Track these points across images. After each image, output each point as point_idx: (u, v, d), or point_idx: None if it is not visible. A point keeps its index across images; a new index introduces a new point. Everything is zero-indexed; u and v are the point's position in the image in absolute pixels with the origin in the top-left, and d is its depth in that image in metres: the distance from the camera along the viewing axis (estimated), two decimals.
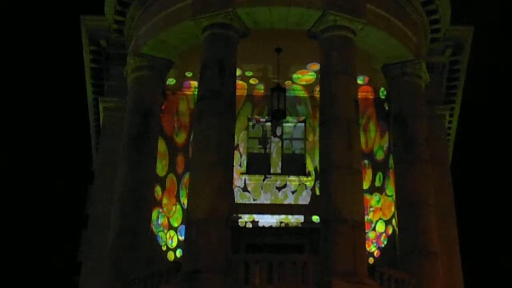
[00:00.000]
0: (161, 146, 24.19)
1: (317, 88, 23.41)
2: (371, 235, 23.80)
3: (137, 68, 23.21)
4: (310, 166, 24.86)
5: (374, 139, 25.31)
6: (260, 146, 25.60)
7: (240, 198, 24.35)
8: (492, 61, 48.49)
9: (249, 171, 24.86)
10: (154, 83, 23.30)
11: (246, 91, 25.60)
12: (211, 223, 18.76)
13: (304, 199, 24.50)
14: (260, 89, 25.61)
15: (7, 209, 49.90)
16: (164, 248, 23.62)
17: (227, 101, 20.59)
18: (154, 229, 23.39)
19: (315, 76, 24.86)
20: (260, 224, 23.98)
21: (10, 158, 51.72)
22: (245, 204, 24.26)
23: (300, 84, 25.56)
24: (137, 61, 23.13)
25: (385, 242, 23.86)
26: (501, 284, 45.24)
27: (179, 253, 23.27)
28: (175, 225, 23.97)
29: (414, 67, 23.24)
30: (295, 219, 24.06)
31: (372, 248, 23.68)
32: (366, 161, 24.56)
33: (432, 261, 20.59)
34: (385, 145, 25.07)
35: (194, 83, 24.63)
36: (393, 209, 23.55)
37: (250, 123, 25.70)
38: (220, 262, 18.36)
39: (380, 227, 24.12)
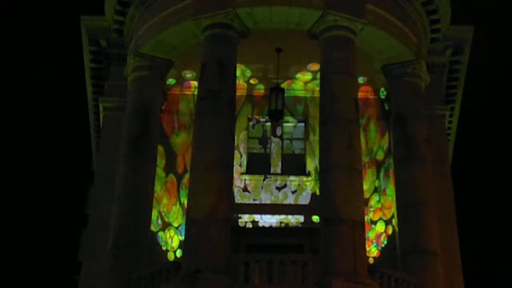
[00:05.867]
0: (161, 146, 24.17)
1: (317, 88, 23.40)
2: (371, 235, 23.78)
3: (137, 68, 23.22)
4: (310, 166, 24.84)
5: (374, 139, 25.29)
6: (260, 146, 25.59)
7: (240, 198, 24.34)
8: (492, 61, 48.47)
9: (249, 171, 24.83)
10: (154, 83, 23.30)
11: (246, 91, 25.59)
12: (211, 223, 18.76)
13: (304, 199, 24.48)
14: (260, 89, 25.59)
15: (7, 209, 49.91)
16: (164, 248, 23.60)
17: (227, 101, 20.59)
18: (154, 229, 23.37)
19: (315, 76, 24.85)
20: (260, 224, 23.97)
21: (10, 158, 51.73)
22: (245, 204, 24.25)
23: (300, 84, 25.55)
24: (137, 61, 23.15)
25: (385, 242, 23.83)
26: (501, 284, 45.22)
27: (179, 253, 23.24)
28: (175, 225, 23.95)
29: (414, 67, 23.25)
30: (295, 219, 24.05)
31: (372, 248, 23.66)
32: (366, 161, 24.55)
33: (432, 261, 20.58)
34: (385, 145, 25.03)
35: (194, 83, 24.64)
36: (393, 209, 23.53)
37: (250, 123, 25.69)
38: (220, 262, 18.36)
39: (380, 227, 24.10)
